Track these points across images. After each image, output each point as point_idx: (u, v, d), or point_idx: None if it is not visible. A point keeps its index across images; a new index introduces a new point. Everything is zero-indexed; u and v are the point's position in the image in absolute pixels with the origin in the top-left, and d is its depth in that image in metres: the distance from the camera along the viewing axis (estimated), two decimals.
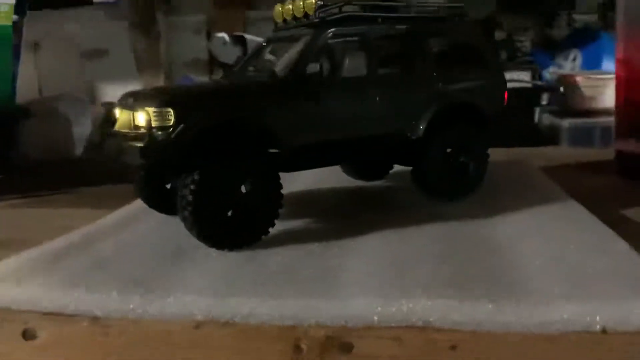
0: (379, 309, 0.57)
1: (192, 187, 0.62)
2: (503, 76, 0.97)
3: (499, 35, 1.52)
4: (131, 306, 0.61)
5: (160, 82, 2.23)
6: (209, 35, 2.10)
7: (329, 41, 0.66)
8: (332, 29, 0.66)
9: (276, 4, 0.60)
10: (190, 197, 0.61)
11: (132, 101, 0.60)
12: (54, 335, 0.62)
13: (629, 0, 0.69)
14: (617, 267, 0.69)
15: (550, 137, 0.98)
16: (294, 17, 0.59)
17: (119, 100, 0.63)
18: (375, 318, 0.57)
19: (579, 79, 1.52)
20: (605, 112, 1.45)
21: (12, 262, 0.83)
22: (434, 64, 0.89)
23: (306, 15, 0.59)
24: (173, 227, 0.84)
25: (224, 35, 1.70)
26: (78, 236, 0.92)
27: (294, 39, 0.58)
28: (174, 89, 0.60)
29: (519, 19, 1.55)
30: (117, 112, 0.64)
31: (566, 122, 1.01)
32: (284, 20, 0.61)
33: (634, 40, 0.76)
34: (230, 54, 1.60)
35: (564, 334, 0.55)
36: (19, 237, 0.97)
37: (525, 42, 1.55)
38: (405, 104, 0.87)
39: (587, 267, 0.69)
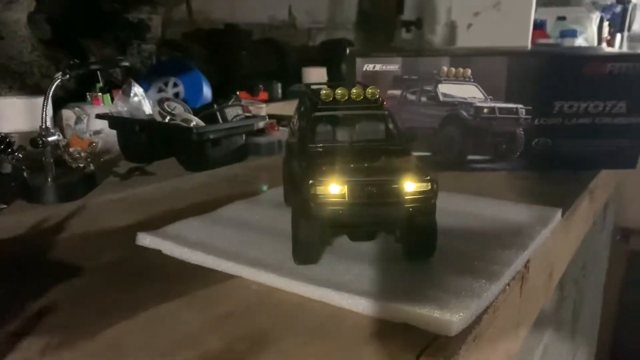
0: None
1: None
2: None
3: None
4: None
5: None
6: None
7: None
8: None
9: (324, 88, 0.73)
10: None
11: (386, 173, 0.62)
12: None
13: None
14: None
15: (255, 151, 1.31)
16: (347, 100, 0.71)
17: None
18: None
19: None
20: None
21: None
22: None
23: (364, 99, 0.72)
24: None
25: None
26: None
27: (373, 117, 0.70)
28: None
29: (99, 45, 1.63)
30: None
31: (262, 139, 1.40)
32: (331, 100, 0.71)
33: None
34: None
35: None
36: None
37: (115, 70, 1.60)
38: None
39: None
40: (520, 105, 1.16)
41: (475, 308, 0.57)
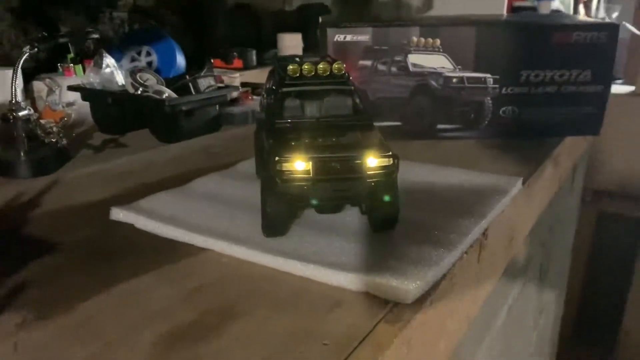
0: None
1: None
2: None
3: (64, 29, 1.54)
4: None
5: None
6: None
7: None
8: None
9: (291, 64, 0.74)
10: None
11: (351, 149, 0.67)
12: None
13: None
14: None
15: (228, 121, 1.34)
16: (314, 75, 0.73)
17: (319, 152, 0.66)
18: None
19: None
20: None
21: None
22: None
23: (330, 74, 0.75)
24: None
25: None
26: None
27: (339, 92, 0.73)
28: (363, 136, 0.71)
29: (69, 14, 1.61)
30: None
31: (236, 109, 1.42)
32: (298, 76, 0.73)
33: None
34: None
35: None
36: None
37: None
38: None
39: None
40: (488, 75, 1.19)
41: (432, 276, 0.61)
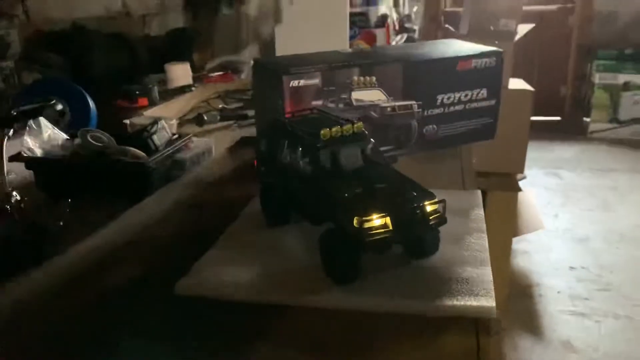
0: None
1: None
2: None
3: None
4: None
5: None
6: None
7: None
8: None
9: (323, 130, 0.88)
10: None
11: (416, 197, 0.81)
12: None
13: None
14: None
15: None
16: (340, 135, 0.89)
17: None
18: None
19: None
20: None
21: None
22: None
23: (353, 133, 0.92)
24: None
25: None
26: None
27: (355, 147, 0.92)
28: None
29: None
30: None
31: (185, 155, 1.52)
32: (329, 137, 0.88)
33: None
34: None
35: None
36: None
37: None
38: None
39: None
40: (413, 102, 1.39)
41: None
